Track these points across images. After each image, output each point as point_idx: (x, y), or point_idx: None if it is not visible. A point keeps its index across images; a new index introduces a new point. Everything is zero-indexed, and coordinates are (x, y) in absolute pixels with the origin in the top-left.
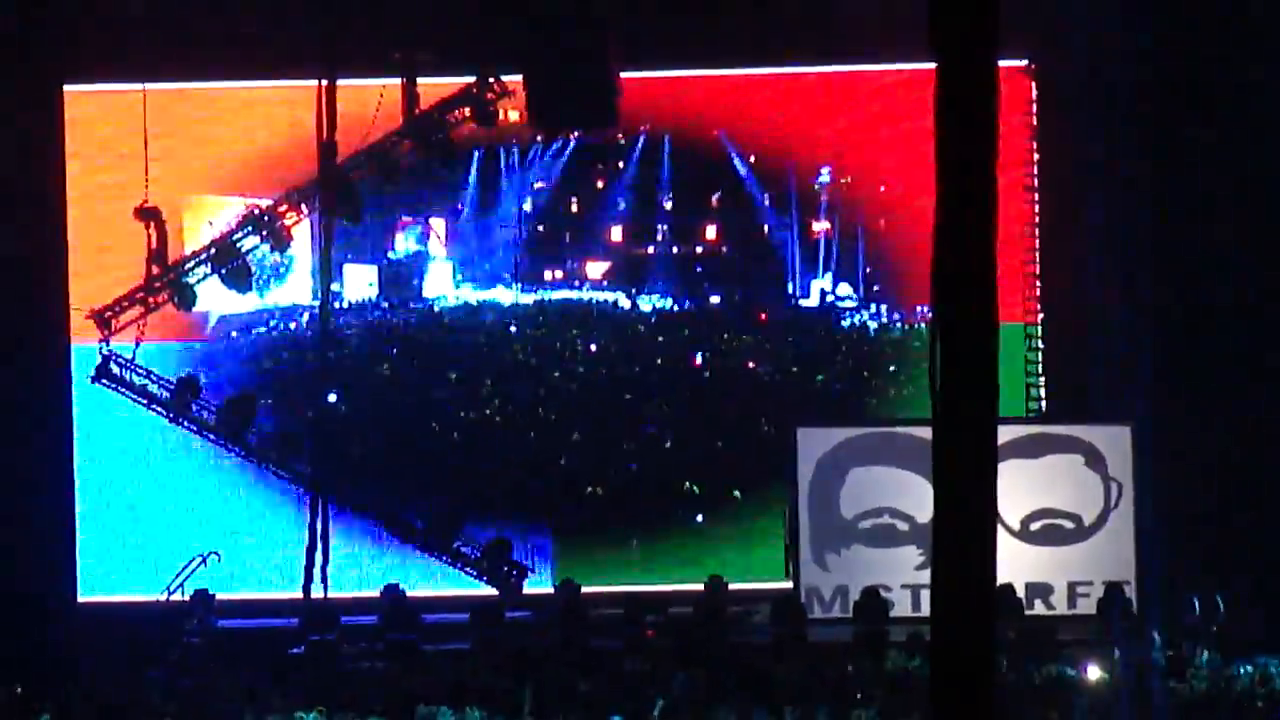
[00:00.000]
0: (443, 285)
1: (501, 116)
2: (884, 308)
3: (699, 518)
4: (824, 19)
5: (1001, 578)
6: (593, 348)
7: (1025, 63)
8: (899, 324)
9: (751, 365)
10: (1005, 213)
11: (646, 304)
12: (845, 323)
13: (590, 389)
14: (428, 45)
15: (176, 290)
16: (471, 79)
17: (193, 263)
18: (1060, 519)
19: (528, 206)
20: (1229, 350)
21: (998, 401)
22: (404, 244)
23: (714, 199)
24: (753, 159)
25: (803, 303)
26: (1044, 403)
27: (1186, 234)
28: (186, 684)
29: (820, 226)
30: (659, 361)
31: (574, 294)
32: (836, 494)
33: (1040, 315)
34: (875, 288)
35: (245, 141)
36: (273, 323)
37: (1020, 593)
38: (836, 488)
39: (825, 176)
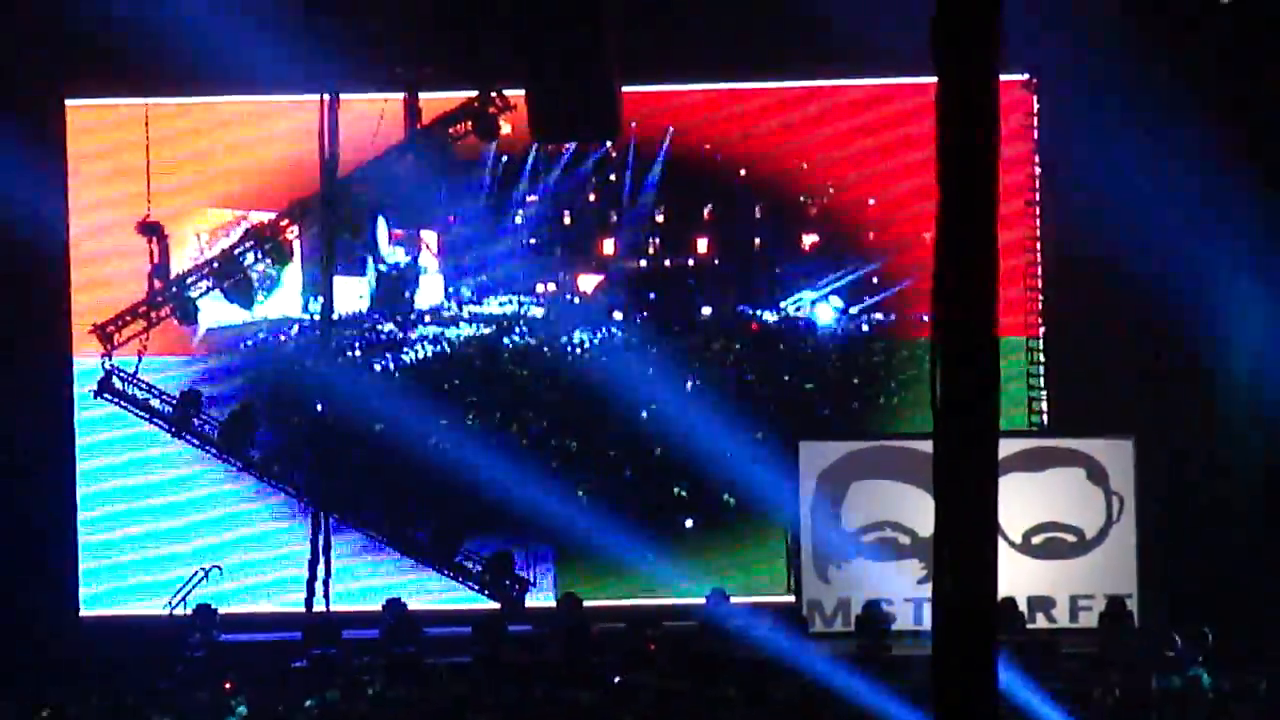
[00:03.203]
0: (434, 297)
1: (501, 130)
2: (873, 318)
3: (688, 523)
4: (816, 32)
5: (1003, 591)
6: (585, 358)
7: (1026, 77)
8: (888, 334)
9: (742, 375)
10: (1006, 226)
11: (638, 315)
12: (835, 333)
13: (582, 399)
14: (429, 60)
15: (179, 305)
16: (473, 93)
17: (195, 277)
18: (1062, 532)
19: (520, 219)
20: (1233, 363)
21: (999, 415)
22: (395, 256)
23: (706, 212)
24: (744, 172)
25: (793, 313)
26: (1045, 416)
27: (1189, 246)
28: (191, 698)
29: (811, 239)
30: (650, 372)
31: (566, 306)
32: (838, 507)
33: (1042, 328)
34: (865, 298)
35: (247, 156)
36: (261, 335)
37: (1022, 606)
38: (838, 501)
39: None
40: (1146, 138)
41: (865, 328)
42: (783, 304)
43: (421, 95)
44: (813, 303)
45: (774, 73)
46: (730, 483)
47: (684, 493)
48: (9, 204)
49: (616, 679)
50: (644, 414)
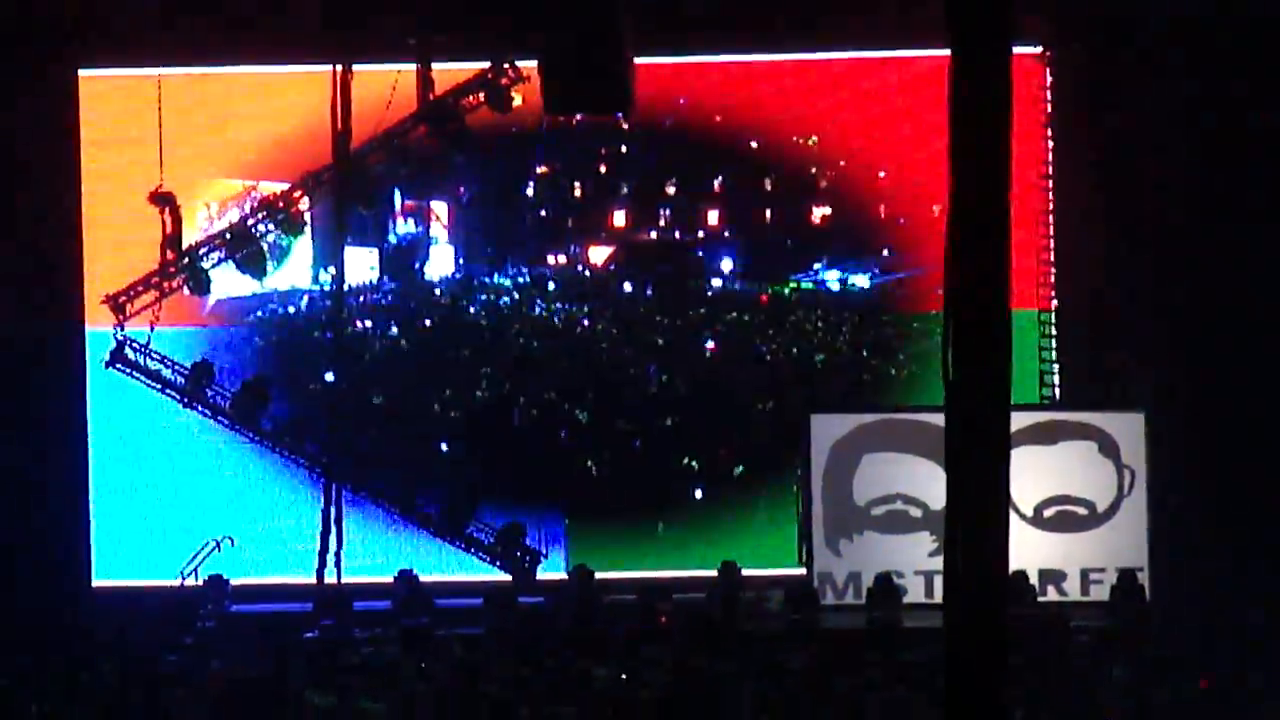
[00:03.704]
0: (444, 268)
1: (513, 101)
2: (884, 290)
3: (698, 493)
4: (828, 5)
5: (1014, 564)
6: (595, 330)
7: (1040, 49)
8: (899, 306)
9: (752, 347)
10: (1019, 199)
11: (648, 287)
12: (846, 305)
13: (592, 371)
14: (443, 30)
15: (191, 275)
16: (486, 64)
17: (207, 248)
18: (1073, 506)
19: (530, 191)
20: (1244, 336)
21: (1010, 388)
22: (405, 227)
23: (716, 184)
24: (754, 144)
25: (804, 285)
26: (1057, 389)
27: (1201, 219)
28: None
29: (821, 211)
30: (660, 343)
31: (576, 278)
32: (849, 480)
33: (1054, 301)
34: (876, 271)
35: (260, 126)
36: (271, 306)
37: (1033, 579)
38: (849, 474)
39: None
40: (1159, 110)
41: (876, 300)
42: (793, 276)
43: (434, 66)
44: (823, 275)
45: (786, 45)
46: (741, 455)
47: (694, 464)
48: (22, 174)
49: (624, 675)
50: (653, 387)
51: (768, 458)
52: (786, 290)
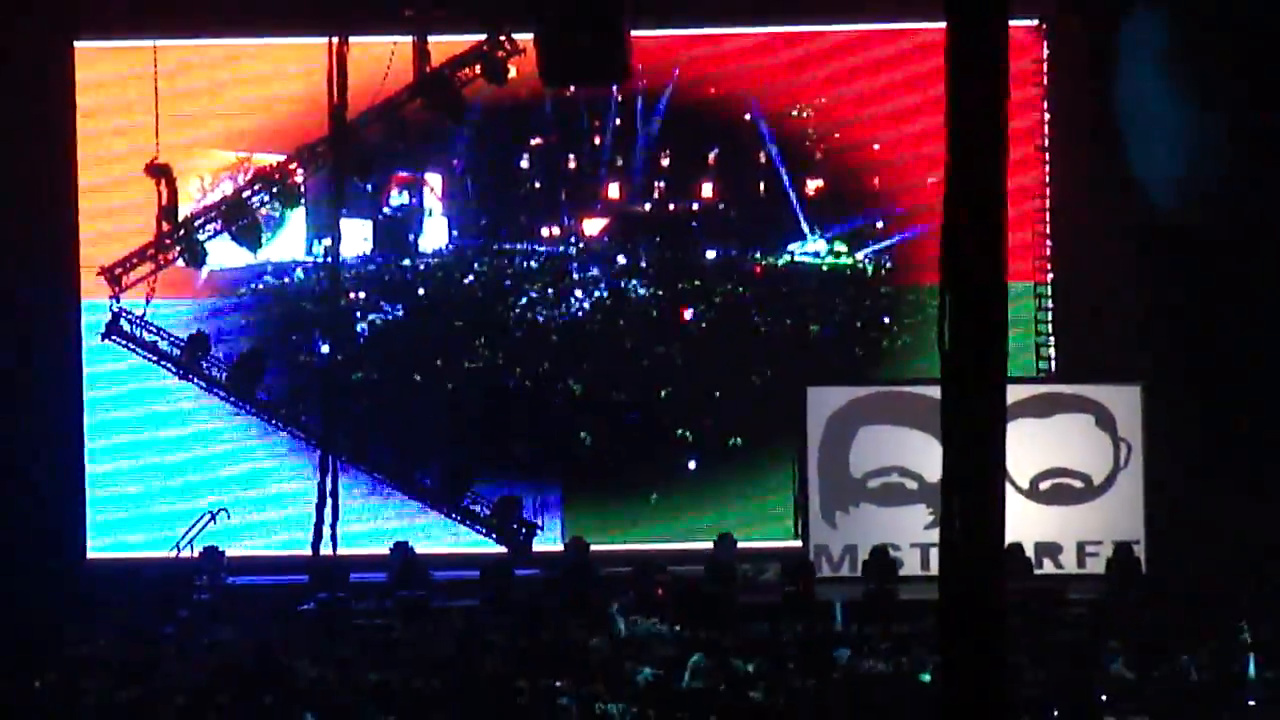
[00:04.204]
0: (438, 240)
1: (509, 73)
2: (879, 263)
3: (691, 464)
4: None
5: (1010, 537)
6: (589, 301)
7: (1036, 22)
8: (894, 279)
9: (747, 319)
10: (1016, 172)
11: (643, 259)
12: (841, 278)
13: (586, 343)
14: (439, 2)
15: (187, 247)
16: (482, 36)
17: (203, 219)
18: (1069, 478)
19: (525, 163)
20: (1240, 309)
21: (1007, 361)
22: (399, 199)
23: (711, 156)
24: (749, 116)
25: (798, 258)
26: (1054, 362)
27: (1200, 191)
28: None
29: (816, 183)
30: (655, 315)
31: (571, 249)
32: (846, 453)
33: (1050, 274)
34: (870, 243)
35: (256, 98)
36: (266, 278)
37: (1029, 552)
38: (846, 446)
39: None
40: (1156, 82)
41: (871, 272)
42: (788, 248)
43: (430, 38)
44: (816, 246)
45: (781, 16)
46: (736, 427)
47: (689, 435)
48: (18, 145)
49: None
50: (645, 361)
51: (764, 430)
52: (781, 262)
